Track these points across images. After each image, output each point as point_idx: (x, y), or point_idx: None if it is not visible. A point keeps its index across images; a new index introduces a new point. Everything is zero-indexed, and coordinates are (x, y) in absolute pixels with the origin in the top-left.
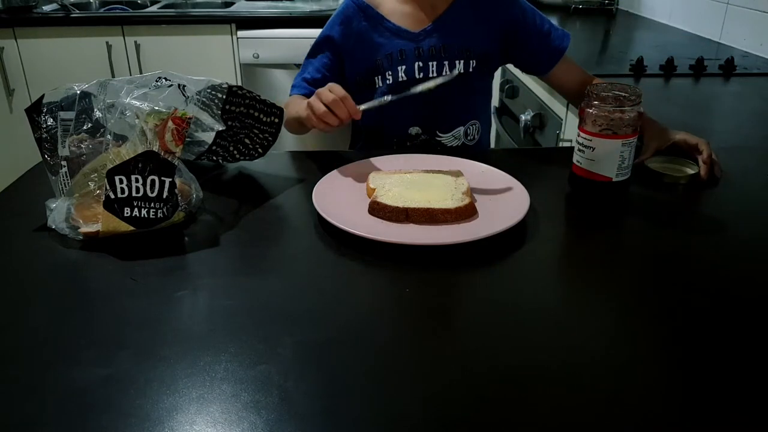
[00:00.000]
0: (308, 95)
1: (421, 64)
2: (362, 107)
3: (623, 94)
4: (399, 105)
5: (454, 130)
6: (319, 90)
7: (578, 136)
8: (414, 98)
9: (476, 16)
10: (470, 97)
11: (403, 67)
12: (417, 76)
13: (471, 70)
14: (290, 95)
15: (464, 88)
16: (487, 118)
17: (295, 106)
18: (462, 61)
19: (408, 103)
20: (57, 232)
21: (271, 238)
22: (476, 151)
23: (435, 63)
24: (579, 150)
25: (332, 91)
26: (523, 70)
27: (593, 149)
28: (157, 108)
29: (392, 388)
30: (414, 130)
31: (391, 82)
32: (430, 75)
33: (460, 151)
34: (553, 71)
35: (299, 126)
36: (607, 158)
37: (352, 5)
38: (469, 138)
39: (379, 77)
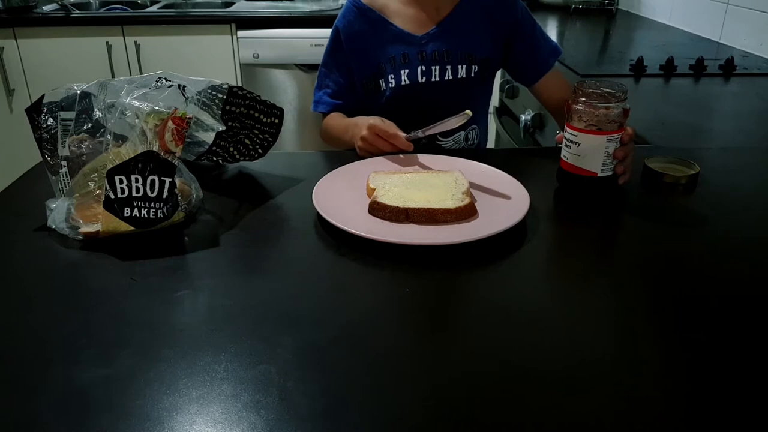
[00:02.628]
0: (338, 109)
1: (424, 68)
2: (407, 137)
3: (609, 90)
4: (401, 110)
5: (455, 135)
6: (373, 125)
7: (565, 131)
8: (416, 103)
9: (479, 20)
10: (472, 102)
11: (407, 71)
12: (420, 80)
13: (473, 75)
14: (321, 112)
15: (466, 94)
16: (485, 121)
17: (341, 128)
18: (464, 66)
19: (410, 108)
20: (57, 232)
21: (271, 238)
22: (476, 151)
23: (438, 67)
24: (566, 145)
25: (385, 128)
26: (512, 77)
27: (579, 144)
28: (157, 108)
29: (392, 388)
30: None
31: (393, 85)
32: (433, 79)
33: (460, 152)
34: (538, 84)
35: (339, 144)
36: (593, 154)
37: (353, 8)
38: (468, 143)
39: (383, 80)
